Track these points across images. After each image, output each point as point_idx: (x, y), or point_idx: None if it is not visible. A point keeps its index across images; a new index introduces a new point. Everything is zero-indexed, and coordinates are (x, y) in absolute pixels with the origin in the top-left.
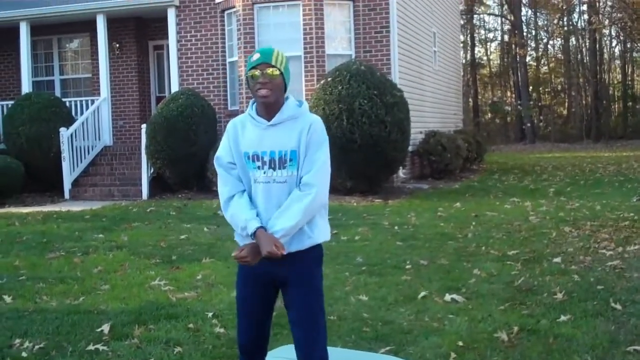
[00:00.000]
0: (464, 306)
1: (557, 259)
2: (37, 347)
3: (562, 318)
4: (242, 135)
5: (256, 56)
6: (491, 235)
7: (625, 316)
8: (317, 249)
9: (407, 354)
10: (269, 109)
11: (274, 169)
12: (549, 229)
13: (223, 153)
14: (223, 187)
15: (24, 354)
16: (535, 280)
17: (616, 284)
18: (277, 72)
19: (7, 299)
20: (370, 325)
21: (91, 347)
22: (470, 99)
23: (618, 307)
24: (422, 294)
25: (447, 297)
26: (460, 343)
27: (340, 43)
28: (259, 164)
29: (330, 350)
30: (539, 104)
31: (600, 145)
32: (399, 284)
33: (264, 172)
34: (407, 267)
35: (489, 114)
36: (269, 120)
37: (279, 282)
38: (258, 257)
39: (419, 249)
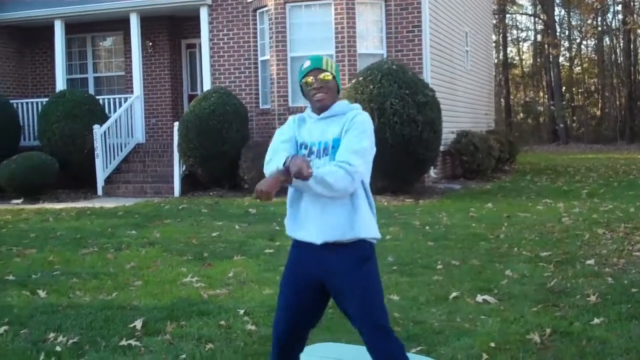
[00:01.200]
0: (496, 307)
1: (590, 261)
2: (70, 341)
3: (596, 321)
4: (299, 127)
5: (307, 64)
6: (523, 237)
7: None
8: (363, 246)
9: (439, 355)
10: (323, 110)
11: (319, 158)
12: (582, 231)
13: (279, 133)
14: (269, 153)
15: (58, 348)
16: (568, 282)
17: None
18: (330, 76)
19: (42, 293)
20: (402, 324)
21: (124, 343)
22: (502, 99)
23: None
24: (454, 294)
25: (479, 297)
26: (492, 344)
27: (371, 42)
28: (306, 152)
29: (360, 349)
30: (572, 104)
31: (635, 147)
32: (430, 284)
33: (312, 161)
34: (439, 267)
35: (521, 115)
36: (319, 114)
37: (327, 280)
38: (273, 185)
39: (451, 249)
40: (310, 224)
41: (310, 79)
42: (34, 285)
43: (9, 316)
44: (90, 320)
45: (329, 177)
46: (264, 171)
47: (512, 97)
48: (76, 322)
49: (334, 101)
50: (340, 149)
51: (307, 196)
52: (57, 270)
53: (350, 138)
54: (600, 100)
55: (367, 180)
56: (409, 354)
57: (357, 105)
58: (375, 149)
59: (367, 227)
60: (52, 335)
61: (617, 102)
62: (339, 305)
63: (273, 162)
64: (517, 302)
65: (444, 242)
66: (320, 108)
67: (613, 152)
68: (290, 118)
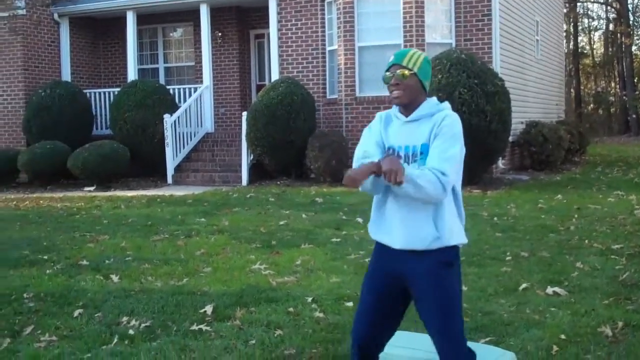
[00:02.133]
0: (566, 299)
1: None
2: (143, 325)
3: None
4: (385, 127)
5: (390, 59)
6: (594, 229)
7: None
8: (447, 252)
9: (508, 346)
10: (407, 108)
11: (408, 164)
12: None
13: (368, 133)
14: (359, 148)
15: (131, 332)
16: None
17: None
18: (408, 73)
19: (115, 278)
20: (470, 315)
21: (195, 327)
22: (572, 90)
23: None
24: (523, 285)
25: (549, 289)
26: (563, 336)
27: (440, 31)
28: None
29: (426, 338)
30: None
31: None
32: (499, 275)
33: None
34: (507, 258)
35: (592, 105)
36: (407, 116)
37: (408, 284)
38: (360, 175)
39: (519, 241)
40: (394, 230)
41: (388, 74)
42: (107, 270)
43: (83, 300)
44: (161, 305)
45: (421, 179)
46: (355, 162)
47: (582, 88)
48: (148, 307)
49: (415, 99)
50: (430, 155)
51: (392, 201)
52: (129, 256)
53: (440, 144)
54: None
55: (459, 184)
56: (477, 344)
57: (446, 105)
58: (465, 150)
59: (451, 234)
60: (125, 319)
61: None
62: (417, 309)
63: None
64: (588, 294)
65: (512, 234)
66: (400, 105)
67: None
68: (377, 116)
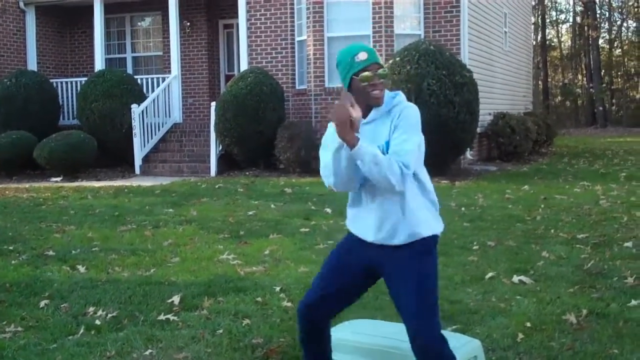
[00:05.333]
0: (532, 288)
1: (628, 244)
2: (110, 315)
3: (633, 302)
4: None
5: (363, 55)
6: (560, 219)
7: None
8: (424, 242)
9: (474, 334)
10: (366, 108)
11: None
12: (620, 214)
13: (329, 140)
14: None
15: (97, 322)
16: (606, 264)
17: None
18: (386, 71)
19: (81, 268)
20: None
21: (162, 317)
22: (540, 82)
23: None
24: (489, 274)
25: (515, 278)
26: (528, 324)
27: (409, 23)
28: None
29: (395, 325)
30: (611, 87)
31: None
32: (466, 264)
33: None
34: (474, 247)
35: (559, 97)
36: (365, 117)
37: (381, 270)
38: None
39: (486, 230)
40: (370, 228)
41: (369, 73)
42: (74, 261)
43: (49, 290)
44: (128, 295)
45: (384, 160)
46: (322, 159)
47: (550, 80)
48: (115, 297)
49: None
50: (392, 147)
51: (366, 199)
52: (96, 247)
53: (399, 136)
54: None
55: (424, 173)
56: (444, 332)
57: (401, 97)
58: (424, 140)
59: (426, 226)
60: (91, 309)
61: None
62: (392, 295)
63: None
64: (554, 283)
65: (479, 223)
66: (376, 106)
67: None
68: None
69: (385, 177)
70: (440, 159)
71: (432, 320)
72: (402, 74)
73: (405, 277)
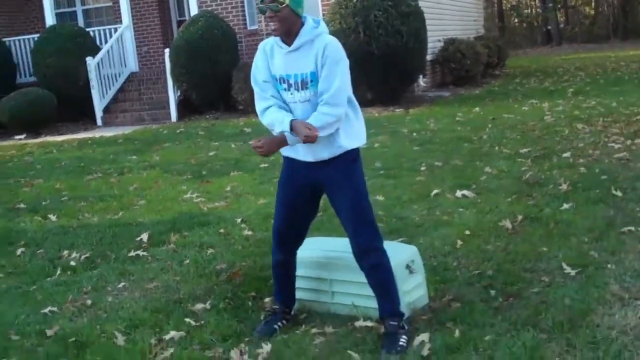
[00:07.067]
0: (473, 200)
1: (567, 154)
2: (83, 257)
3: (565, 206)
4: (271, 58)
5: None
6: (505, 136)
7: (624, 202)
8: (350, 152)
9: (418, 244)
10: (287, 37)
11: (298, 90)
12: (562, 127)
13: (257, 72)
14: (259, 102)
15: (72, 263)
16: (543, 174)
17: (620, 173)
18: (279, 6)
19: (53, 217)
20: (385, 221)
21: (132, 254)
22: (495, 4)
23: (619, 193)
24: (435, 191)
25: (458, 193)
26: (467, 232)
27: None
28: (286, 86)
29: (344, 240)
30: (566, 4)
31: (628, 44)
32: (414, 184)
33: (291, 94)
34: (422, 169)
35: (516, 19)
36: (289, 45)
37: (320, 186)
38: (274, 149)
39: (435, 152)
40: (301, 148)
41: (262, 5)
42: (45, 211)
43: (24, 239)
44: (99, 237)
45: (325, 120)
46: (262, 120)
47: (504, 2)
48: (87, 240)
49: (292, 28)
50: (320, 85)
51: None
52: (65, 196)
53: (328, 74)
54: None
55: (351, 93)
56: (390, 242)
57: (323, 26)
58: (348, 62)
59: (351, 139)
60: (65, 252)
61: (611, 0)
62: (334, 207)
63: (277, 124)
64: (494, 195)
65: (429, 146)
66: (278, 36)
67: (606, 50)
68: (260, 48)
69: (332, 130)
70: (393, 88)
71: (369, 219)
72: (349, 7)
73: (341, 185)
